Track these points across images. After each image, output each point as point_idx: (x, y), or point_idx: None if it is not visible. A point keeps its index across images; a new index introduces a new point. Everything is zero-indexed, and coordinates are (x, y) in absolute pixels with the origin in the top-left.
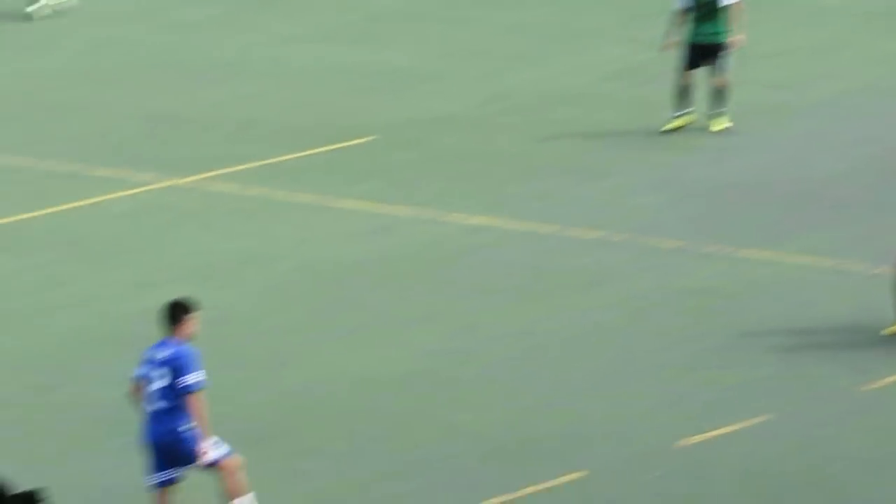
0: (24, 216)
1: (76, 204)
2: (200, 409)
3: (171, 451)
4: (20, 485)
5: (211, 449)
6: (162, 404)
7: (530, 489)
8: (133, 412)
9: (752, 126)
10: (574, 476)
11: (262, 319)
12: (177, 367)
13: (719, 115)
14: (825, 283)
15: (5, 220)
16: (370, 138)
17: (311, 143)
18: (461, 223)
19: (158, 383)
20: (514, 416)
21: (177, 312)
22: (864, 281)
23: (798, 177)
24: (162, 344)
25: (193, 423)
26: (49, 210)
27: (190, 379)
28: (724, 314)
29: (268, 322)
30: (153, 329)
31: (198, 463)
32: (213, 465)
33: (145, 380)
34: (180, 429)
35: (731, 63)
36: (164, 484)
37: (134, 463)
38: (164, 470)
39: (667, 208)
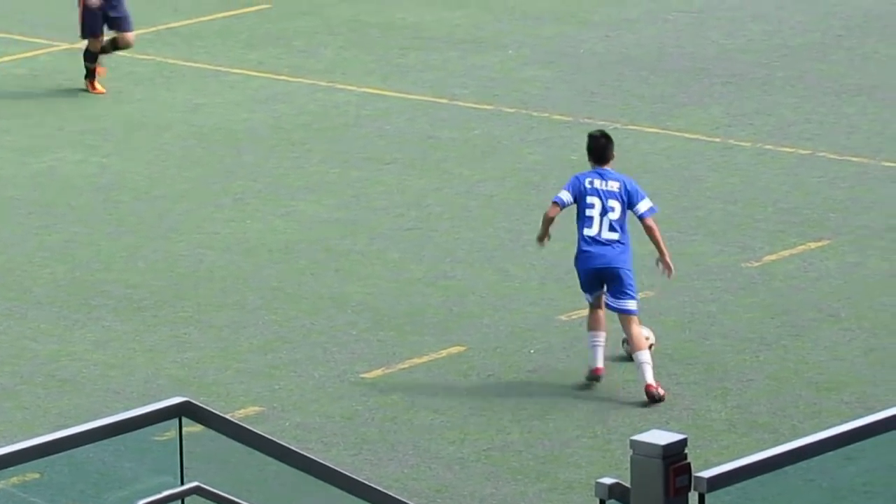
0: None
1: None
2: (658, 232)
3: (611, 278)
4: None
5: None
6: (613, 234)
7: (412, 361)
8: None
9: (643, 1)
10: (455, 350)
11: (151, 186)
12: (630, 193)
13: None
14: (713, 159)
15: None
16: (265, 6)
17: (206, 10)
18: (354, 92)
19: (612, 214)
20: (400, 287)
21: (612, 145)
22: (753, 157)
23: (690, 52)
24: (600, 173)
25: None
26: None
27: (646, 205)
28: None
29: (157, 188)
30: (44, 194)
31: (617, 304)
32: (629, 314)
33: (588, 207)
34: (628, 260)
35: None
36: (599, 299)
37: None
38: (596, 291)
39: (557, 82)
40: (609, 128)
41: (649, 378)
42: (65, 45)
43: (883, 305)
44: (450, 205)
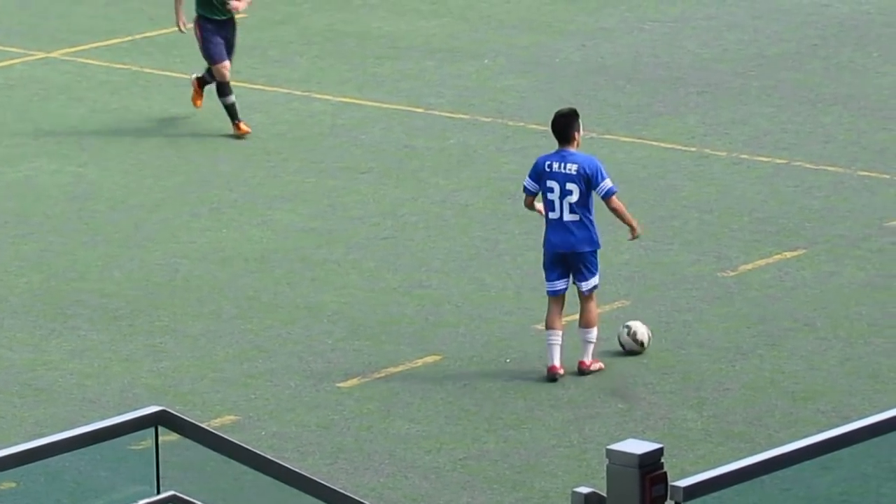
0: None
1: None
2: (623, 209)
3: (574, 262)
4: None
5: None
6: (574, 216)
7: (388, 370)
8: None
9: (619, 10)
10: (431, 359)
11: (126, 195)
12: (590, 176)
13: None
14: (689, 168)
15: None
16: (241, 15)
17: None
18: (330, 102)
19: (571, 198)
20: (375, 297)
21: (574, 123)
22: (728, 167)
23: (666, 61)
24: (562, 155)
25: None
26: None
27: (608, 184)
28: None
29: (132, 198)
30: (19, 203)
31: (582, 285)
32: (590, 291)
33: (548, 191)
34: (592, 240)
35: None
36: (560, 293)
37: None
38: (562, 279)
39: (533, 91)
40: (585, 137)
41: (586, 357)
42: (41, 55)
43: (859, 315)
44: (425, 214)
